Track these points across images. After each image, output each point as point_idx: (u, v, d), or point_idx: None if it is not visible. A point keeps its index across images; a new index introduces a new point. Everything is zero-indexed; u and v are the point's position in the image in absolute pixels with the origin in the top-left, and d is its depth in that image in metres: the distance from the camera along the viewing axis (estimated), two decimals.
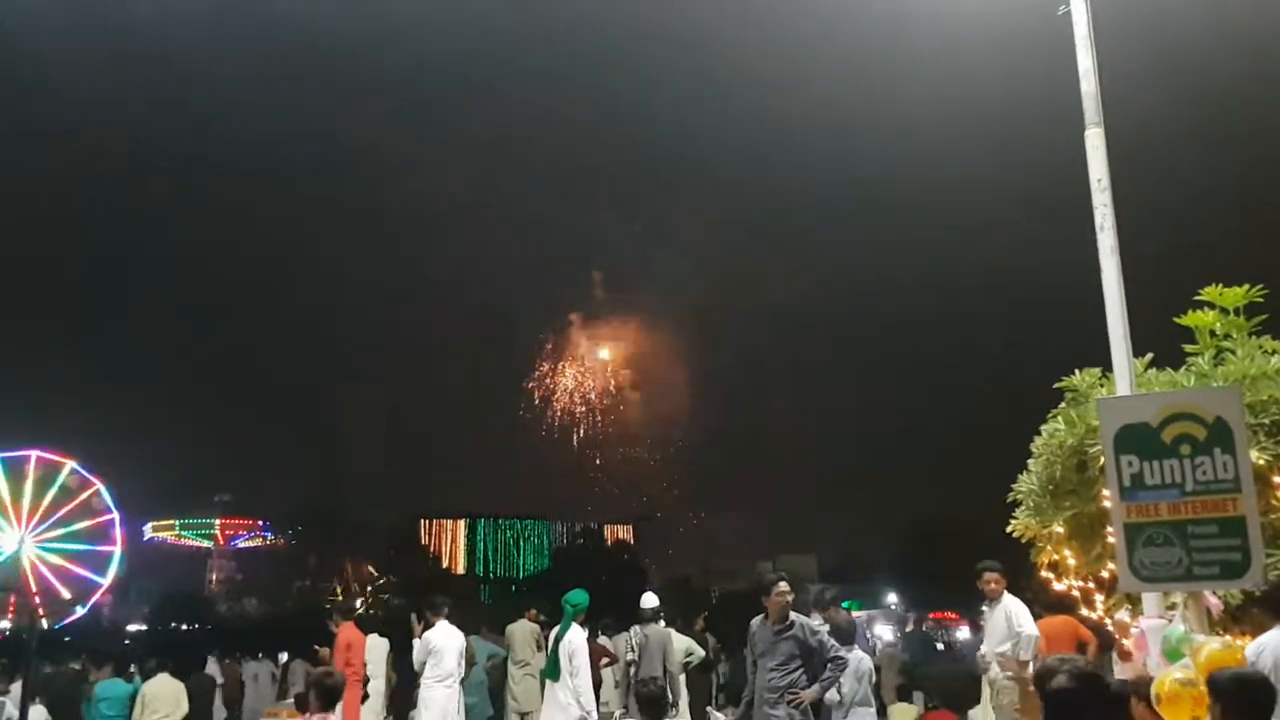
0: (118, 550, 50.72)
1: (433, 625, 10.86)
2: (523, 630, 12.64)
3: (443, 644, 10.56)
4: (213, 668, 18.73)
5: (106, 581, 50.62)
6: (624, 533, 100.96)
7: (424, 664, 10.54)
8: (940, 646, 28.03)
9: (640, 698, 6.69)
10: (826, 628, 8.90)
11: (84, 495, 49.50)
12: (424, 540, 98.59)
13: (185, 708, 12.57)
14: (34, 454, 49.17)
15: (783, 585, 8.21)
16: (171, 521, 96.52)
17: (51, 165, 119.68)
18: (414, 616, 11.47)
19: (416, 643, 10.81)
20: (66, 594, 48.04)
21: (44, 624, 45.15)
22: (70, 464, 49.54)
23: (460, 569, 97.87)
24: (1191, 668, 4.94)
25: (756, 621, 8.32)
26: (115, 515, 50.23)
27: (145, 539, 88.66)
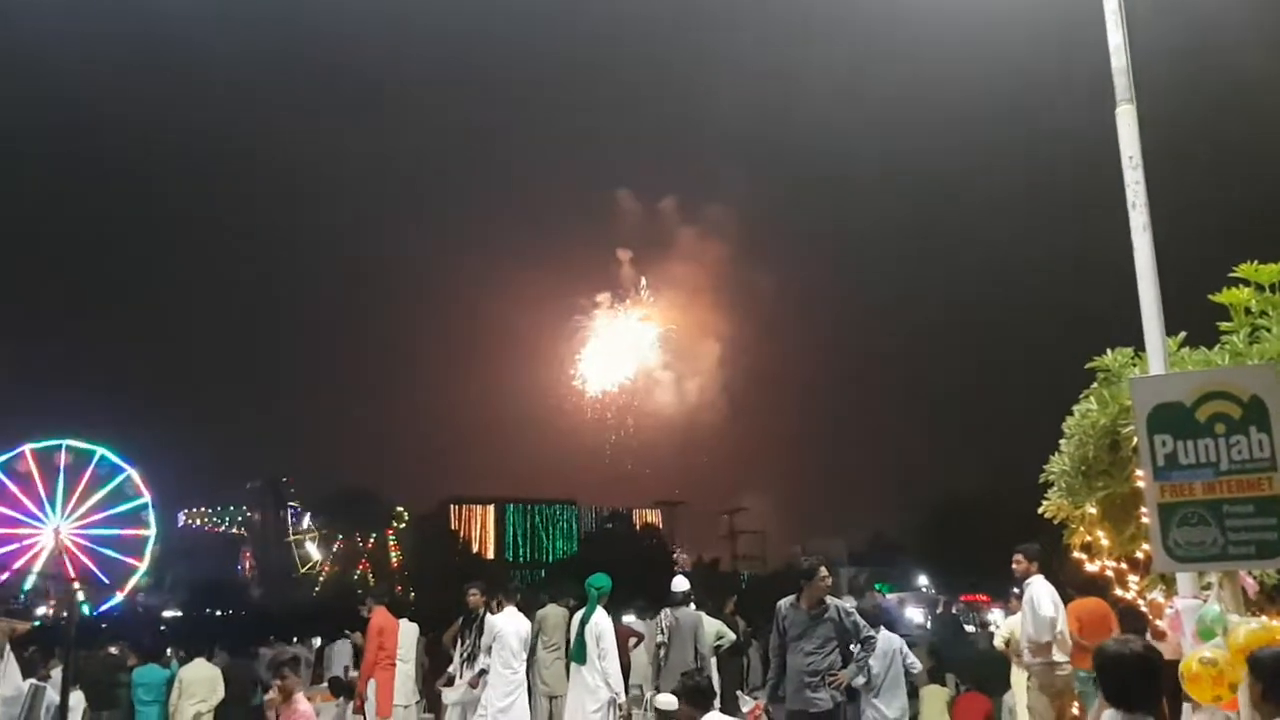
0: (153, 533, 51.46)
1: (502, 609, 10.96)
2: (555, 614, 12.74)
3: (506, 629, 10.65)
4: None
5: (143, 565, 51.43)
6: (652, 517, 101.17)
7: (489, 647, 10.64)
8: (971, 629, 27.99)
9: (685, 689, 6.73)
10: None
11: (116, 481, 50.38)
12: (454, 525, 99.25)
13: (221, 692, 12.75)
14: (65, 444, 50.08)
15: (824, 570, 8.30)
16: (204, 509, 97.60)
17: (72, 150, 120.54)
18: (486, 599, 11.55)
19: (487, 624, 10.92)
20: (104, 579, 49.06)
21: (84, 608, 46.10)
22: (100, 451, 50.42)
23: (490, 554, 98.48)
24: (1223, 647, 4.91)
25: (786, 604, 8.37)
26: (148, 498, 51.01)
27: (179, 526, 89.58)
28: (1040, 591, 8.98)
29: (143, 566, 51.70)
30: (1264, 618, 5.39)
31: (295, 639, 23.79)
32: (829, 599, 8.26)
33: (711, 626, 10.85)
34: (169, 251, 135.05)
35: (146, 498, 51.64)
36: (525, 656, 11.01)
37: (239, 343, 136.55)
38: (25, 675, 9.26)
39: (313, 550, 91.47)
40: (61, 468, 50.38)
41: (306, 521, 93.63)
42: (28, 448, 50.25)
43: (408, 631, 13.60)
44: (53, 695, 7.70)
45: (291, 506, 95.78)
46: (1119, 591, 8.08)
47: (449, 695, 11.64)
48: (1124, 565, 7.71)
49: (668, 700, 8.42)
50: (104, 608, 50.26)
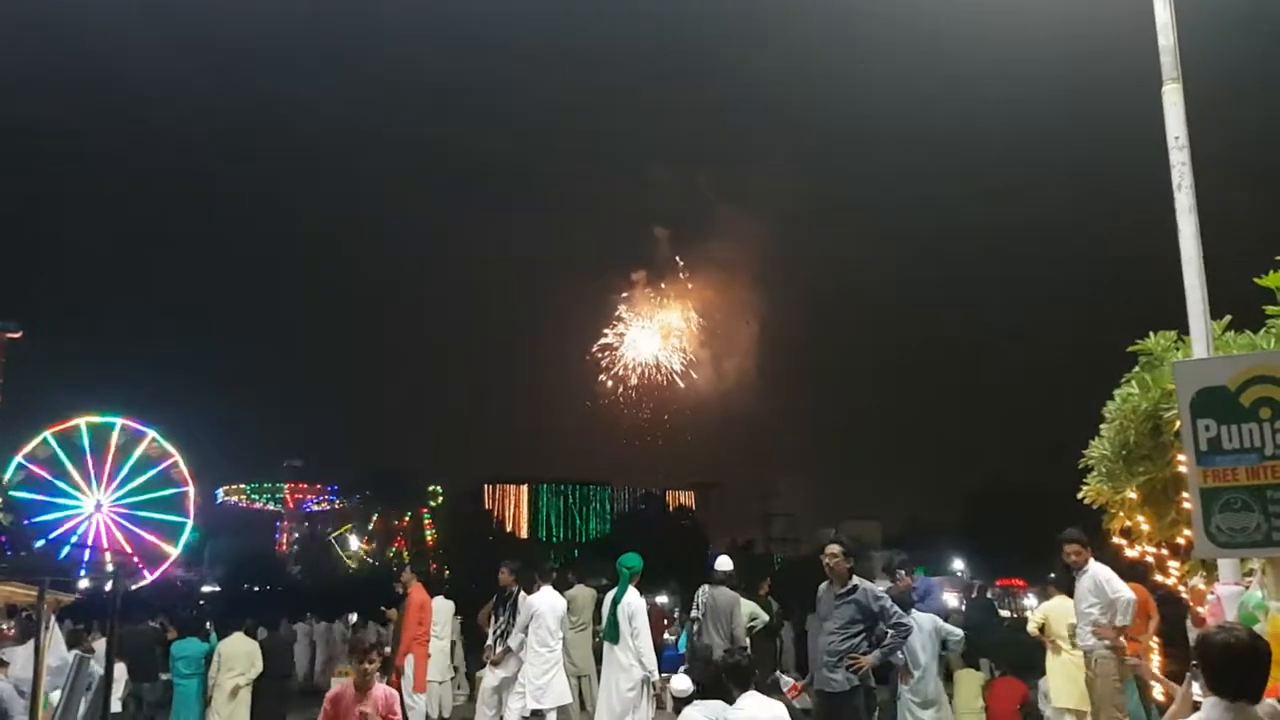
0: (189, 523, 52.12)
1: (538, 589, 11.00)
2: (583, 594, 12.84)
3: (543, 608, 10.71)
4: None
5: (175, 552, 52.10)
6: (686, 498, 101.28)
7: (526, 625, 10.70)
8: (1006, 613, 27.88)
9: (726, 667, 6.74)
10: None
11: (162, 466, 51.09)
12: (488, 505, 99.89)
13: (259, 666, 12.90)
14: (119, 422, 50.82)
15: (832, 548, 8.25)
16: (242, 486, 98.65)
17: (111, 132, 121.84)
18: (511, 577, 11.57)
19: (524, 602, 10.96)
20: (136, 561, 49.74)
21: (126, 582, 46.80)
22: (151, 434, 51.11)
23: (523, 534, 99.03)
24: (1265, 634, 4.85)
25: (823, 586, 8.36)
26: (189, 487, 51.67)
27: (217, 502, 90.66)
28: (1111, 574, 8.82)
29: (175, 554, 52.36)
30: None
31: (332, 616, 24.07)
32: (858, 581, 8.19)
33: (745, 607, 10.86)
34: (214, 235, 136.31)
35: (188, 487, 52.28)
36: (561, 635, 11.07)
37: (279, 322, 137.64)
38: (69, 648, 9.44)
39: (354, 542, 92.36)
40: (114, 445, 51.10)
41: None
42: (83, 421, 51.01)
43: (443, 608, 13.72)
44: (96, 667, 7.82)
45: (330, 494, 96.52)
46: (1159, 578, 8.00)
47: (486, 675, 11.71)
48: (1164, 551, 7.63)
49: (682, 685, 8.45)
50: (133, 588, 51.04)
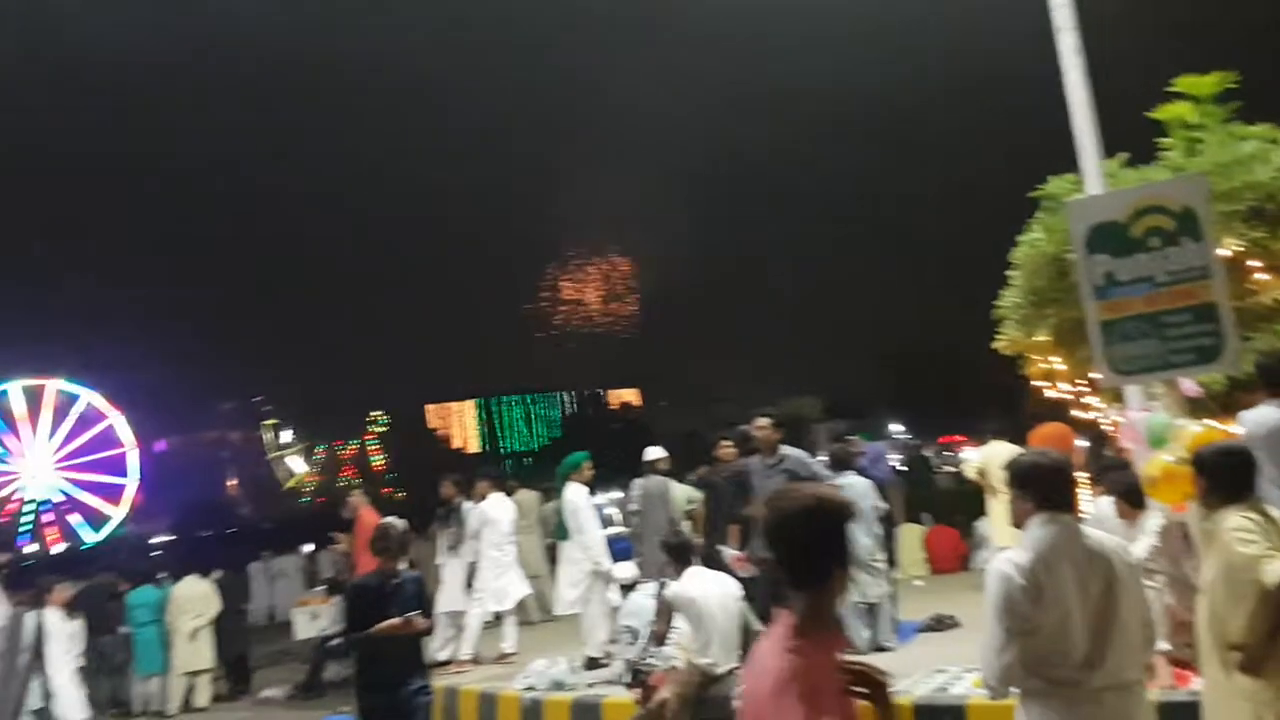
0: (131, 449, 51.09)
1: (486, 498, 11.06)
2: (527, 498, 13.20)
3: (494, 513, 10.80)
4: None
5: (121, 513, 51.21)
6: (630, 395, 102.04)
7: (478, 532, 10.76)
8: (950, 468, 28.82)
9: (666, 547, 6.86)
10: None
11: (100, 426, 49.88)
12: (431, 424, 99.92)
13: (217, 605, 12.92)
14: (54, 383, 49.41)
15: (760, 420, 8.44)
16: (182, 437, 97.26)
17: (53, 89, 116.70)
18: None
19: (471, 512, 11.00)
20: (98, 505, 49.04)
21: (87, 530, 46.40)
22: (88, 393, 49.80)
23: (473, 448, 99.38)
24: (1176, 452, 5.05)
25: (755, 459, 8.53)
26: (113, 415, 50.42)
27: (157, 450, 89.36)
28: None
29: (119, 516, 51.40)
30: (1209, 421, 5.55)
31: (285, 549, 24.14)
32: (786, 450, 8.35)
33: (681, 491, 11.00)
34: (131, 169, 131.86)
35: (111, 416, 50.94)
36: (515, 538, 11.19)
37: (213, 254, 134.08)
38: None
39: (295, 464, 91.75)
40: (49, 407, 49.71)
41: (285, 436, 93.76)
42: (18, 384, 49.48)
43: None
44: (35, 621, 7.77)
45: (273, 423, 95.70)
46: (1078, 413, 8.27)
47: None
48: (1082, 387, 7.88)
49: (624, 573, 8.62)
50: (107, 529, 50.39)
